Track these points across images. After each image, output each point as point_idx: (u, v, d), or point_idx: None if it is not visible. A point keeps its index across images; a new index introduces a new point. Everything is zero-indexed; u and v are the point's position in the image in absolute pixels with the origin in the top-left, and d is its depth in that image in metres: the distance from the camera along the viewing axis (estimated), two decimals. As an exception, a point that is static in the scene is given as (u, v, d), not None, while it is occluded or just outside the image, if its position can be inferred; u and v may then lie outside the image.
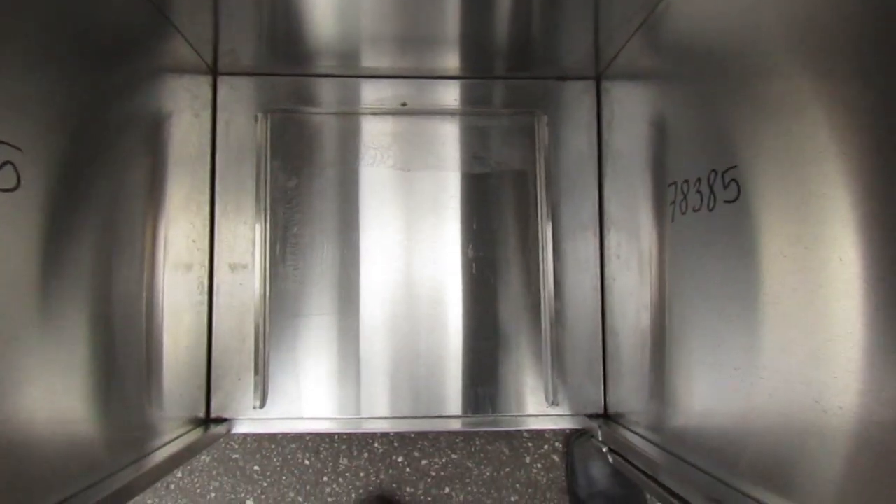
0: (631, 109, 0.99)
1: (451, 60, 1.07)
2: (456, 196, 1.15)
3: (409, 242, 1.14)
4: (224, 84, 1.14)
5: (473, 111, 1.16)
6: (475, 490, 1.20)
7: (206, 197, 1.11)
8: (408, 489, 1.20)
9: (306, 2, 0.87)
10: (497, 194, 1.17)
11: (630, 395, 0.99)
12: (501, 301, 1.15)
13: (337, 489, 1.20)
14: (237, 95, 1.14)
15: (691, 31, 0.76)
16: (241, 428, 1.06)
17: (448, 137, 1.15)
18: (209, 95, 1.13)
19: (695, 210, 0.75)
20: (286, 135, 1.15)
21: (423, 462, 1.20)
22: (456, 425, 1.08)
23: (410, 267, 1.14)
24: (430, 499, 1.19)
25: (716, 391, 0.70)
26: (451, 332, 1.13)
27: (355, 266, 1.13)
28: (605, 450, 0.96)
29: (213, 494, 1.19)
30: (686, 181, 0.77)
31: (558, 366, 1.12)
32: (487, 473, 1.21)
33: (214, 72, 1.12)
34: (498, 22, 0.92)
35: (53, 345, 0.64)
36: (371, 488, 1.19)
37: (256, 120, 1.14)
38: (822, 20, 0.52)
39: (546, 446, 1.23)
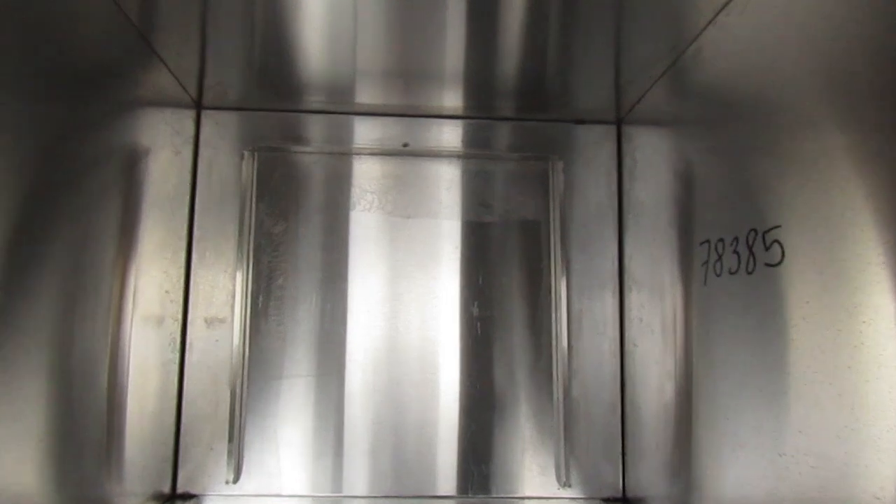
0: (656, 158, 1.01)
1: (455, 99, 1.10)
2: (458, 247, 1.17)
3: (404, 297, 1.15)
4: (208, 119, 1.16)
5: (479, 154, 1.18)
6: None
7: (184, 242, 1.12)
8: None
9: (298, 34, 0.88)
10: (504, 246, 1.18)
11: (652, 477, 0.98)
12: (507, 366, 1.15)
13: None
14: (222, 132, 1.16)
15: (722, 79, 0.77)
16: (211, 506, 1.04)
17: (451, 182, 1.17)
18: (192, 131, 1.15)
19: (731, 273, 0.75)
20: (273, 175, 1.17)
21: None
22: (451, 507, 1.06)
23: (404, 325, 1.15)
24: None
25: (752, 477, 0.69)
26: (447, 401, 1.13)
27: (343, 323, 1.14)
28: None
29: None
30: (721, 240, 0.78)
31: (571, 442, 1.12)
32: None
33: (199, 106, 1.15)
34: (506, 59, 0.94)
35: (2, 407, 0.62)
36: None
37: (242, 158, 1.16)
38: (860, 73, 0.53)
39: (556, 534, 1.22)
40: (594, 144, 1.21)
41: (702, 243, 0.83)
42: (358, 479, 1.10)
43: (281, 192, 1.17)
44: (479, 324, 1.17)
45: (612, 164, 1.20)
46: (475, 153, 1.19)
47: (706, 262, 0.82)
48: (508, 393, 1.15)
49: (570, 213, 1.19)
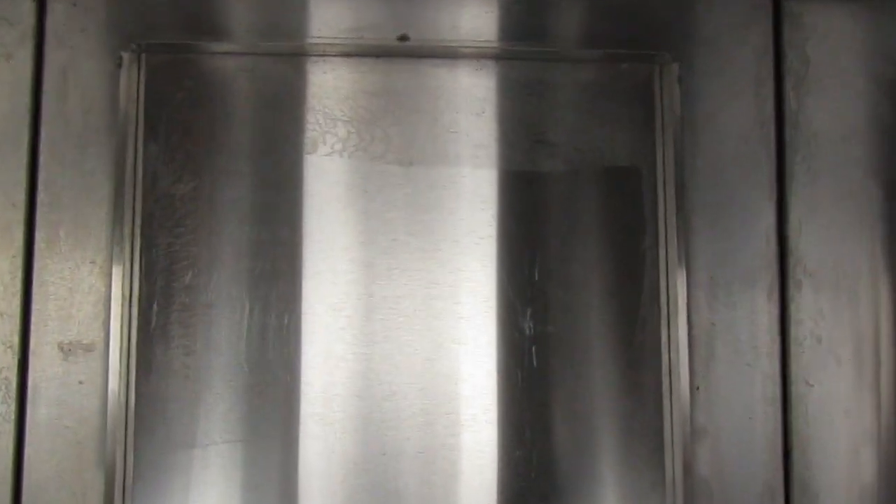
0: (847, 56, 0.98)
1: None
2: (494, 216, 1.03)
3: (401, 306, 1.02)
4: (60, 1, 1.05)
5: (530, 53, 1.07)
6: None
7: (19, 214, 1.01)
8: None
9: None
10: (575, 214, 1.04)
11: None
12: (581, 424, 1.02)
13: None
14: (83, 20, 1.04)
15: None
16: None
17: (481, 102, 1.05)
18: (31, 19, 1.03)
19: None
20: (175, 94, 1.05)
21: None
22: None
23: (400, 353, 1.02)
24: None
25: None
26: (475, 489, 1.01)
27: (295, 349, 1.01)
28: None
29: None
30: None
31: (697, 555, 1.03)
32: None
33: (40, -19, 1.06)
34: None
35: None
36: None
37: (120, 64, 1.03)
38: None
39: None
40: (733, 33, 1.09)
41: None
42: None
43: (188, 123, 1.03)
44: (532, 348, 1.01)
45: (766, 68, 1.07)
46: (523, 51, 1.07)
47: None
48: (586, 471, 1.02)
49: (691, 154, 1.05)
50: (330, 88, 1.04)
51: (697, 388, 1.01)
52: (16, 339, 0.98)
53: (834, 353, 0.99)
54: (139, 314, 1.00)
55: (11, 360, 0.97)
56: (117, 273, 0.99)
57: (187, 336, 1.00)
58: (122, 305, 0.99)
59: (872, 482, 0.91)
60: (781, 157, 1.06)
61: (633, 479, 1.01)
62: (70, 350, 0.98)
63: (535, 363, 1.02)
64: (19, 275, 0.99)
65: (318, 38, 1.04)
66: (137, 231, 1.00)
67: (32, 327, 0.98)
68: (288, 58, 1.05)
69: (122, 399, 0.98)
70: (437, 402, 1.01)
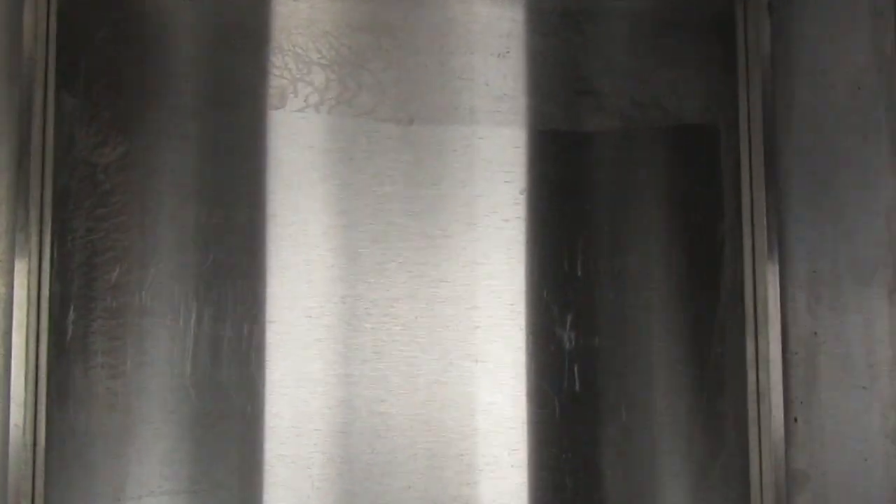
0: None
1: None
2: (523, 189, 0.94)
3: (396, 309, 0.93)
4: None
5: None
6: None
7: None
8: None
9: None
10: (631, 188, 0.95)
11: None
12: (643, 465, 0.94)
13: None
14: None
15: None
16: None
17: (504, 38, 0.97)
18: None
19: None
20: (96, 31, 0.97)
21: None
22: None
23: (395, 373, 0.92)
24: None
25: None
26: None
27: (258, 371, 0.92)
28: None
29: None
30: None
31: None
32: None
33: None
34: None
35: None
36: None
37: None
38: None
39: None
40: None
41: None
42: None
43: (114, 69, 0.94)
44: (574, 367, 0.90)
45: (884, -1, 1.05)
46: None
47: None
48: (646, 528, 0.95)
49: (784, 109, 0.97)
50: (303, 21, 0.96)
51: (795, 420, 0.93)
52: None
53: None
54: (50, 323, 0.92)
55: None
56: (21, 269, 0.91)
57: (114, 352, 0.90)
58: (28, 312, 0.91)
59: None
60: (905, 110, 0.93)
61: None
62: (-45, 370, 0.91)
63: (577, 387, 0.89)
64: None
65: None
66: (48, 212, 0.92)
67: None
68: (246, -18, 0.95)
69: (29, 437, 0.90)
70: (447, 440, 0.92)
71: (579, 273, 0.90)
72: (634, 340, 0.91)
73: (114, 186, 0.90)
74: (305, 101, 0.91)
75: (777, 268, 0.92)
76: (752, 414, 0.90)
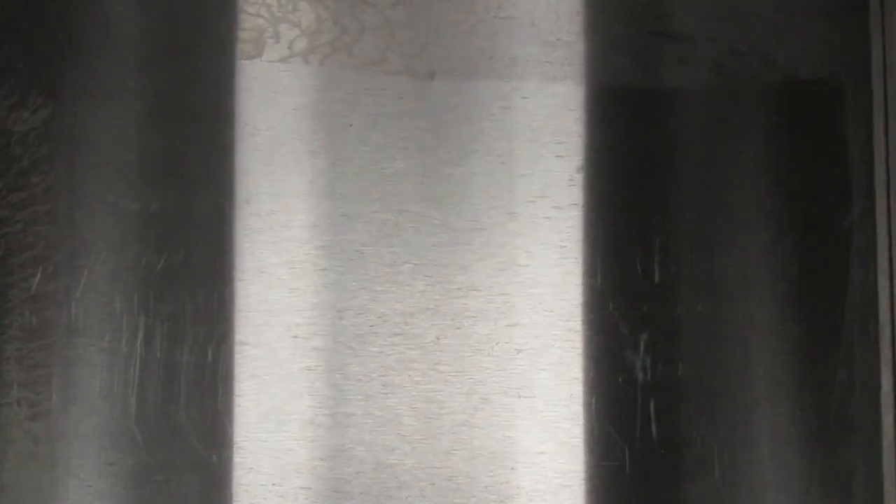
0: None
1: None
2: (578, 166, 0.83)
3: (411, 331, 0.81)
4: None
5: None
6: None
7: None
8: None
9: None
10: (727, 163, 0.82)
11: None
12: None
13: None
14: None
15: None
16: None
17: None
18: None
19: None
20: None
21: None
22: None
23: (411, 417, 0.80)
24: None
25: None
26: None
27: (225, 409, 0.81)
28: None
29: None
30: None
31: None
32: None
33: None
34: None
35: None
36: None
37: None
38: None
39: None
40: None
41: None
42: None
43: (33, 7, 0.84)
44: (650, 403, 0.79)
45: None
46: None
47: None
48: None
49: None
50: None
51: (952, 476, 0.77)
52: None
53: None
54: None
55: None
56: None
57: (35, 384, 0.77)
58: None
59: None
60: None
61: None
62: None
63: (654, 431, 0.76)
64: None
65: None
66: None
67: None
68: None
69: None
70: (479, 503, 0.77)
71: (657, 278, 0.78)
72: (730, 370, 0.77)
73: (34, 163, 0.78)
74: (289, 47, 0.78)
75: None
76: (887, 467, 0.76)
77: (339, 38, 0.78)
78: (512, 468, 0.76)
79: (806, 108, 0.81)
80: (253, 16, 0.78)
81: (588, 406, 0.77)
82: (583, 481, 0.77)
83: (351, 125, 0.76)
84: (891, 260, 0.78)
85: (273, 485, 0.76)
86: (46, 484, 0.76)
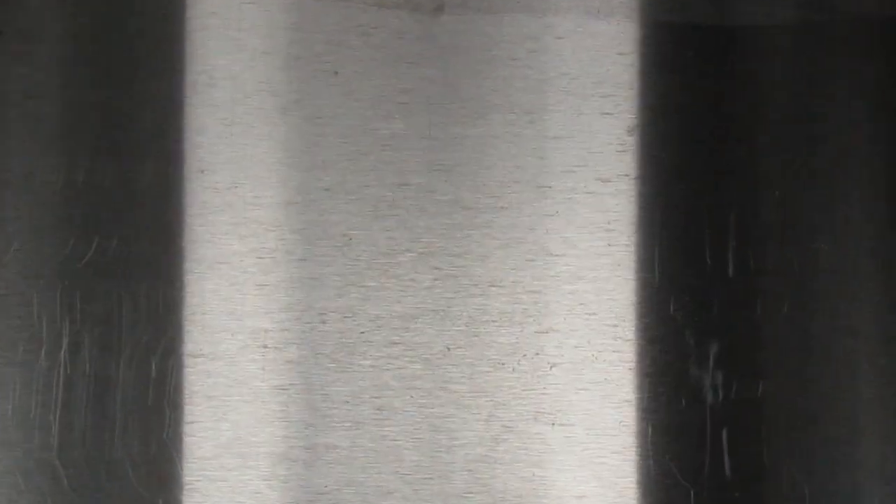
0: None
1: None
2: (629, 128, 0.74)
3: (416, 340, 0.72)
4: None
5: None
6: None
7: None
8: None
9: None
10: (812, 120, 0.70)
11: None
12: None
13: None
14: None
15: None
16: None
17: None
18: None
19: None
20: None
21: None
22: None
23: (418, 454, 0.71)
24: None
25: None
26: None
27: (174, 442, 0.77)
28: None
29: None
30: None
31: None
32: None
33: None
34: None
35: None
36: None
37: None
38: None
39: None
40: None
41: None
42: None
43: None
44: (722, 433, 0.70)
45: None
46: None
47: None
48: None
49: None
50: None
51: None
52: None
53: None
54: None
55: None
56: None
57: None
58: None
59: None
60: None
61: None
62: None
63: (726, 467, 0.65)
64: None
65: None
66: None
67: None
68: None
69: None
70: None
71: (730, 271, 0.66)
72: (826, 390, 0.65)
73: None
74: (272, -22, 0.72)
75: None
76: None
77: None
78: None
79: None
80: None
81: (642, 436, 0.65)
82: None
83: (336, 73, 0.64)
84: None
85: None
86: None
